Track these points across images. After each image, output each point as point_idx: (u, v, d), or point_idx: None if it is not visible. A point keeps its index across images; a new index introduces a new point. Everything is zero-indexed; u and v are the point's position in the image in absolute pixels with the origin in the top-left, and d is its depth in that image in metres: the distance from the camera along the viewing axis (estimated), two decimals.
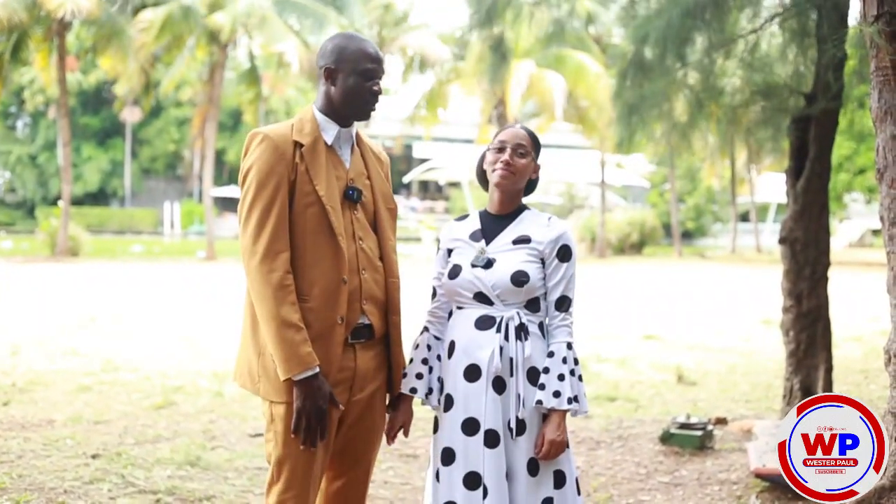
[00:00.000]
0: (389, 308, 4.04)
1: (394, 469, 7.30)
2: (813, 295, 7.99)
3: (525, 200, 4.23)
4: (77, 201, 53.52)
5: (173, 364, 11.79)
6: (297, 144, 3.82)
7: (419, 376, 4.13)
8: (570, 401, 3.92)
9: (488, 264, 4.01)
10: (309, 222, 3.78)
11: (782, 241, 8.08)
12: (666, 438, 7.94)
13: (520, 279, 3.95)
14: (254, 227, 3.72)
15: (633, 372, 11.92)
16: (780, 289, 8.23)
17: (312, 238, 3.78)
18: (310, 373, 3.65)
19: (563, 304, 4.05)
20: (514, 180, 4.09)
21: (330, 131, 3.93)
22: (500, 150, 4.09)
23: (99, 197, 60.17)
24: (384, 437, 4.18)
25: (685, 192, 48.65)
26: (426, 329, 4.24)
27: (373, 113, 4.05)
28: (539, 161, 4.19)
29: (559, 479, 3.97)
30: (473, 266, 4.03)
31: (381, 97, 3.98)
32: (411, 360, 4.18)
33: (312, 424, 3.67)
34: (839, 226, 49.27)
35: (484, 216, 4.20)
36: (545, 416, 3.95)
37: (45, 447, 7.50)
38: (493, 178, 4.10)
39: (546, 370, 3.95)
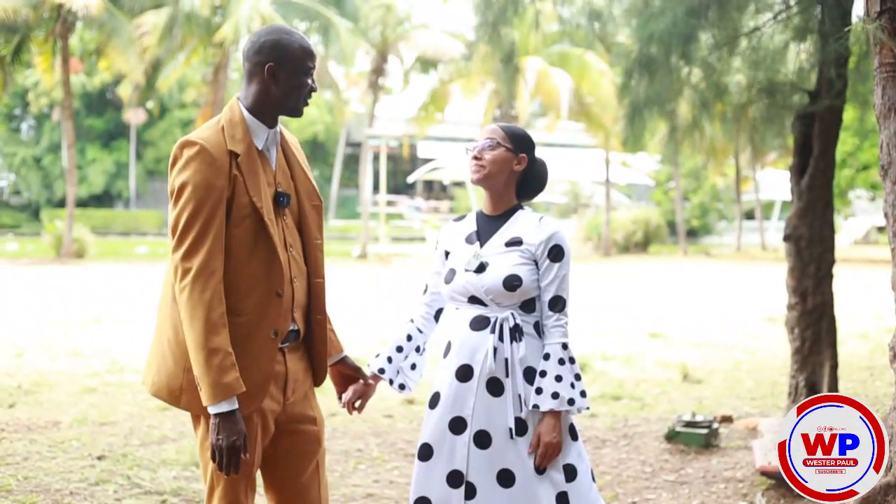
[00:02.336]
0: (314, 309, 3.92)
1: (399, 469, 7.31)
2: (818, 292, 7.98)
3: (531, 199, 4.23)
4: (82, 203, 53.60)
5: None
6: (233, 154, 3.64)
7: (389, 360, 4.21)
8: (569, 401, 3.92)
9: (481, 268, 4.02)
10: (245, 235, 3.64)
11: (787, 238, 8.07)
12: (671, 436, 7.95)
13: (512, 283, 3.96)
14: (190, 245, 3.54)
15: (639, 370, 11.92)
16: (784, 286, 8.22)
17: (248, 251, 3.65)
18: (229, 408, 3.51)
19: (557, 304, 4.02)
20: (487, 174, 4.08)
21: (260, 135, 3.76)
22: (473, 148, 4.12)
23: (104, 199, 60.22)
24: (346, 410, 4.17)
25: (690, 190, 48.60)
26: (411, 320, 4.30)
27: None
28: (525, 153, 4.15)
29: (570, 473, 3.97)
30: (466, 271, 4.04)
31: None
32: (388, 345, 4.25)
33: (227, 459, 3.53)
34: (844, 223, 49.20)
35: (480, 217, 4.21)
36: (542, 417, 3.95)
37: (50, 449, 7.51)
38: (469, 176, 4.13)
39: (543, 373, 3.94)
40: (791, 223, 8.03)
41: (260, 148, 3.76)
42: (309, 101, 3.86)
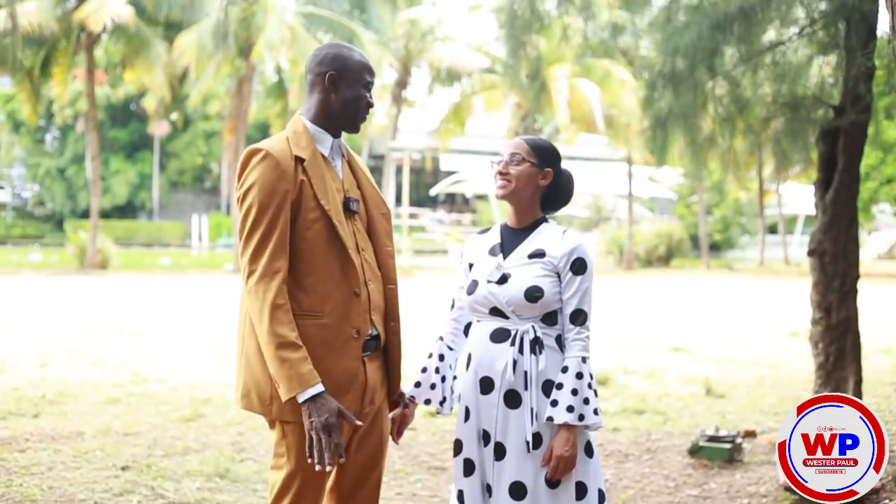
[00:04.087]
0: (389, 315, 4.00)
1: (422, 482, 7.31)
2: (842, 307, 7.96)
3: (553, 212, 4.24)
4: (105, 214, 53.78)
5: (201, 376, 11.83)
6: (299, 159, 3.75)
7: (433, 387, 4.21)
8: (580, 417, 3.90)
9: (503, 280, 4.02)
10: (317, 238, 3.73)
11: (811, 253, 8.06)
12: (695, 451, 7.92)
13: (534, 294, 3.95)
14: (255, 247, 3.66)
15: (662, 384, 11.89)
16: (808, 301, 8.20)
17: (322, 253, 3.74)
18: (312, 392, 3.57)
19: (579, 317, 4.01)
20: (513, 189, 4.09)
21: (325, 143, 3.89)
22: (499, 162, 4.12)
23: (127, 210, 60.43)
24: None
25: (712, 203, 48.44)
26: (441, 338, 4.29)
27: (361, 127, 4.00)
28: (550, 167, 4.15)
29: (580, 491, 3.96)
30: (489, 282, 4.05)
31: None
32: (424, 370, 4.24)
33: (324, 442, 3.57)
34: (868, 237, 48.98)
35: (504, 230, 4.22)
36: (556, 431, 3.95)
37: (74, 459, 7.54)
38: (494, 191, 4.14)
39: (560, 385, 3.93)
40: (815, 238, 8.01)
41: (325, 155, 3.87)
42: (367, 116, 3.96)
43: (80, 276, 29.78)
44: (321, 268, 3.74)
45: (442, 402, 4.21)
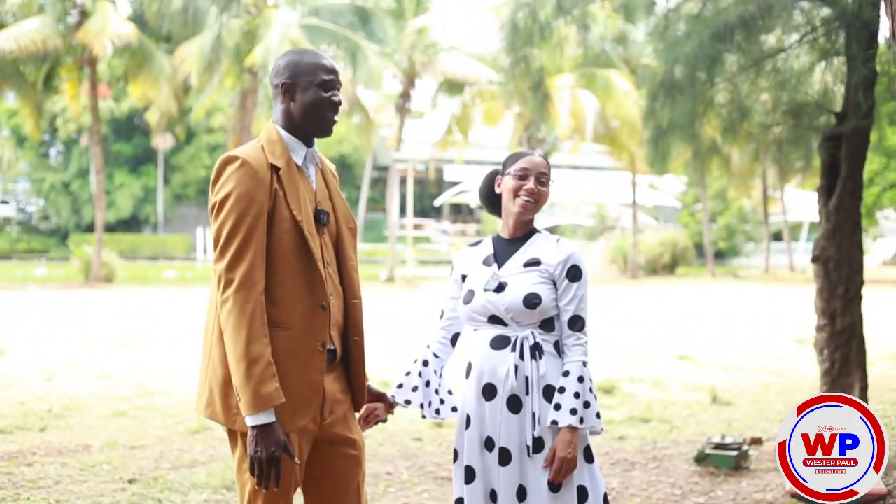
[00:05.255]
0: (352, 330, 3.96)
1: (428, 492, 7.31)
2: (847, 313, 7.96)
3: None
4: (110, 228, 53.80)
5: None
6: (274, 168, 3.72)
7: (414, 389, 4.27)
8: (581, 420, 3.95)
9: (500, 288, 4.07)
10: (287, 248, 3.70)
11: (815, 259, 8.06)
12: (701, 459, 7.92)
13: (532, 301, 4.01)
14: (232, 256, 3.61)
15: (667, 392, 11.89)
16: (813, 307, 8.20)
17: (291, 265, 3.71)
18: (265, 419, 3.54)
19: (577, 323, 4.07)
20: (536, 209, 4.17)
21: (299, 152, 3.85)
22: (523, 177, 4.14)
23: (132, 223, 60.51)
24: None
25: (717, 211, 48.42)
26: (428, 346, 4.35)
27: (333, 127, 3.93)
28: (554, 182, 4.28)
29: (582, 495, 4.01)
30: (486, 290, 4.09)
31: (339, 109, 3.91)
32: (408, 373, 4.30)
33: (264, 472, 3.55)
34: (873, 244, 48.93)
35: (497, 241, 4.28)
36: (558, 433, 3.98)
37: (81, 472, 7.56)
38: (516, 205, 4.17)
39: (562, 389, 3.98)
40: (819, 244, 8.02)
41: (299, 164, 3.84)
42: (333, 115, 3.88)
43: (85, 290, 29.80)
44: (291, 279, 3.71)
45: (424, 406, 4.26)
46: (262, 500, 3.73)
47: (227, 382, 3.69)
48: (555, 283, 4.08)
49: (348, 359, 3.98)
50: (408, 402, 4.26)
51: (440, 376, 4.31)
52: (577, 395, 3.96)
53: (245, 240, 3.61)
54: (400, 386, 4.28)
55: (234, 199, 3.63)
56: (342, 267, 3.97)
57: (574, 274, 4.08)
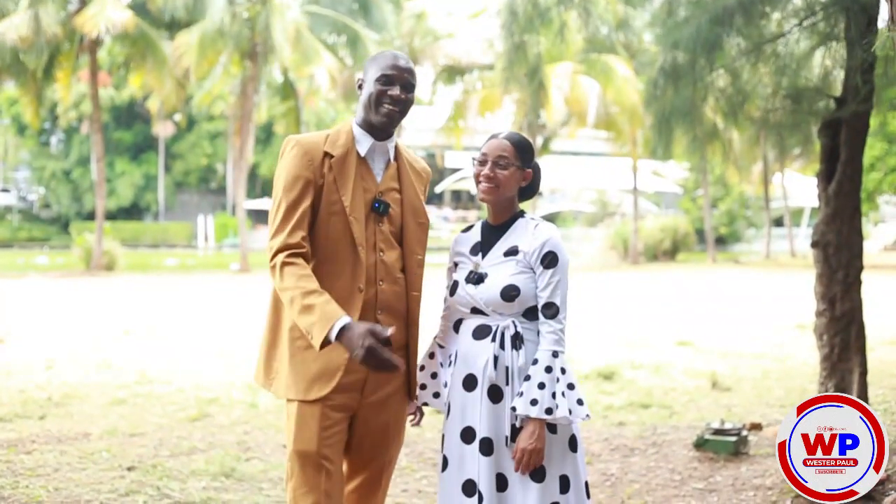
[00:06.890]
0: (408, 320, 4.14)
1: (427, 478, 7.32)
2: (846, 298, 7.94)
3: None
4: (111, 216, 53.80)
5: (207, 376, 11.84)
6: (327, 154, 3.93)
7: (423, 387, 4.35)
8: (548, 410, 3.91)
9: (479, 280, 4.08)
10: (332, 230, 3.91)
11: (815, 244, 8.03)
12: (700, 444, 7.92)
13: (510, 294, 4.01)
14: (279, 222, 3.86)
15: (667, 378, 11.89)
16: (813, 293, 8.19)
17: (334, 246, 3.91)
18: (339, 325, 3.63)
19: (550, 309, 4.03)
20: (497, 193, 4.13)
21: (364, 143, 4.04)
22: (482, 163, 4.14)
23: (133, 211, 60.47)
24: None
25: (718, 197, 48.35)
26: (434, 337, 4.39)
27: (401, 121, 4.10)
28: (530, 167, 4.22)
29: (564, 485, 4.01)
30: (467, 282, 4.12)
31: (408, 107, 4.05)
32: (422, 368, 4.37)
33: (376, 362, 3.62)
34: (873, 229, 48.88)
35: (484, 227, 4.29)
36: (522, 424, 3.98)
37: (80, 460, 7.56)
38: (478, 191, 4.19)
39: (527, 378, 3.96)
40: (819, 229, 7.99)
41: (363, 154, 4.03)
42: (390, 107, 4.01)
43: (86, 277, 29.81)
44: (331, 260, 3.91)
45: (435, 396, 4.34)
46: (297, 464, 3.94)
47: (270, 347, 4.01)
48: (534, 271, 4.06)
49: (407, 348, 4.17)
50: (425, 404, 4.36)
51: (444, 367, 4.31)
52: (541, 386, 3.93)
53: (288, 212, 3.87)
54: (423, 387, 4.36)
55: (283, 175, 3.94)
56: (406, 259, 4.15)
57: (549, 260, 4.04)
